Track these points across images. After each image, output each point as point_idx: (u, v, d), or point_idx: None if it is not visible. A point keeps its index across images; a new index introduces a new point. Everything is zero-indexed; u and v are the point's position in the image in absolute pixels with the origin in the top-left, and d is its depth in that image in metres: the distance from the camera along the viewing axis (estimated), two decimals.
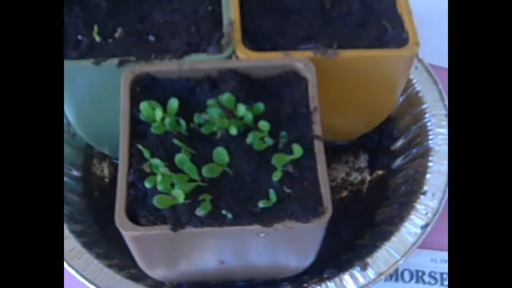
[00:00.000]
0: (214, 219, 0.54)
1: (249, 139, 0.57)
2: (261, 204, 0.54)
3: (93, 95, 0.66)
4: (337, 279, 0.66)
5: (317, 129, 0.58)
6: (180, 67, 0.61)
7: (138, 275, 0.67)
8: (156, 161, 0.56)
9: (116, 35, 0.65)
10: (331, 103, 0.61)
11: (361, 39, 0.65)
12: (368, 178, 0.78)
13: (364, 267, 0.66)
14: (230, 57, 0.63)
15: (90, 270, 0.66)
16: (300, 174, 0.56)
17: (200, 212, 0.54)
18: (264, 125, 0.57)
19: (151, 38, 0.65)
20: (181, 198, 0.53)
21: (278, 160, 0.56)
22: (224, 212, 0.54)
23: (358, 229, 0.73)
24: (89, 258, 0.67)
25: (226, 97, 0.58)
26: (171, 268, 0.62)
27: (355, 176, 0.78)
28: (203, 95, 0.61)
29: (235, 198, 0.55)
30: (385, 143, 0.79)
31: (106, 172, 0.80)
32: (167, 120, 0.58)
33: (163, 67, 0.62)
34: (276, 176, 0.56)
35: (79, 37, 0.65)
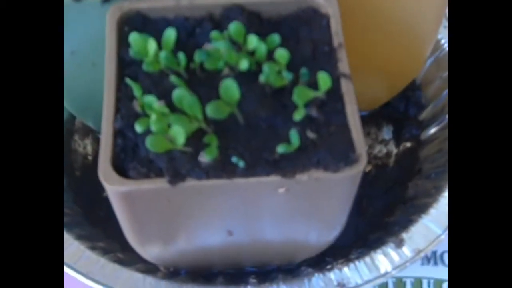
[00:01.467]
0: (222, 169, 0.43)
1: (264, 74, 0.46)
2: (281, 149, 0.44)
3: (73, 44, 0.56)
4: (367, 259, 0.55)
5: (343, 67, 0.48)
6: (177, 3, 0.51)
7: (126, 260, 0.56)
8: (149, 97, 0.45)
9: None
10: (349, 58, 0.51)
11: None
12: (395, 150, 0.68)
13: (399, 244, 0.55)
14: None
15: (69, 253, 0.55)
16: (326, 119, 0.46)
17: (204, 158, 0.43)
18: (282, 55, 0.47)
19: None
20: (181, 139, 0.43)
21: (301, 95, 0.45)
22: (234, 160, 0.44)
23: (387, 205, 0.63)
24: (68, 239, 0.55)
25: (234, 27, 0.48)
26: (167, 243, 0.51)
27: (379, 149, 0.68)
28: (204, 37, 0.50)
29: (247, 146, 0.45)
30: (411, 112, 0.70)
31: (89, 149, 0.69)
32: (163, 54, 0.47)
33: (157, 3, 0.52)
34: (298, 115, 0.45)
35: None
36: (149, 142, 0.43)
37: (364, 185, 0.60)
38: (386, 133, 0.69)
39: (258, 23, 0.51)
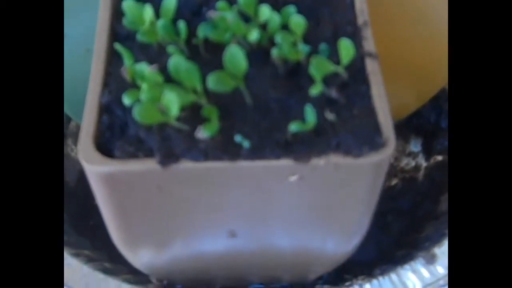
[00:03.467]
0: (224, 149, 0.37)
1: (277, 46, 0.40)
2: (294, 127, 0.37)
3: (65, 27, 0.50)
4: (393, 275, 0.47)
5: (368, 45, 0.42)
6: None
7: (113, 269, 0.48)
8: (141, 65, 0.39)
9: None
10: None
11: None
12: (424, 164, 0.61)
13: (430, 260, 0.47)
14: None
15: None
16: (348, 102, 0.39)
17: (202, 134, 0.36)
18: (298, 23, 0.40)
19: None
20: (174, 109, 0.36)
21: (319, 66, 0.38)
22: (238, 139, 0.37)
23: (415, 221, 0.55)
24: None
25: None
26: (159, 245, 0.44)
27: (407, 162, 0.61)
28: None
29: (254, 126, 0.38)
30: (443, 124, 0.62)
31: None
32: (161, 22, 0.41)
33: None
34: (315, 90, 0.38)
35: None
36: (137, 112, 0.36)
37: (388, 199, 0.53)
38: (414, 145, 0.63)
39: (272, 2, 0.45)
